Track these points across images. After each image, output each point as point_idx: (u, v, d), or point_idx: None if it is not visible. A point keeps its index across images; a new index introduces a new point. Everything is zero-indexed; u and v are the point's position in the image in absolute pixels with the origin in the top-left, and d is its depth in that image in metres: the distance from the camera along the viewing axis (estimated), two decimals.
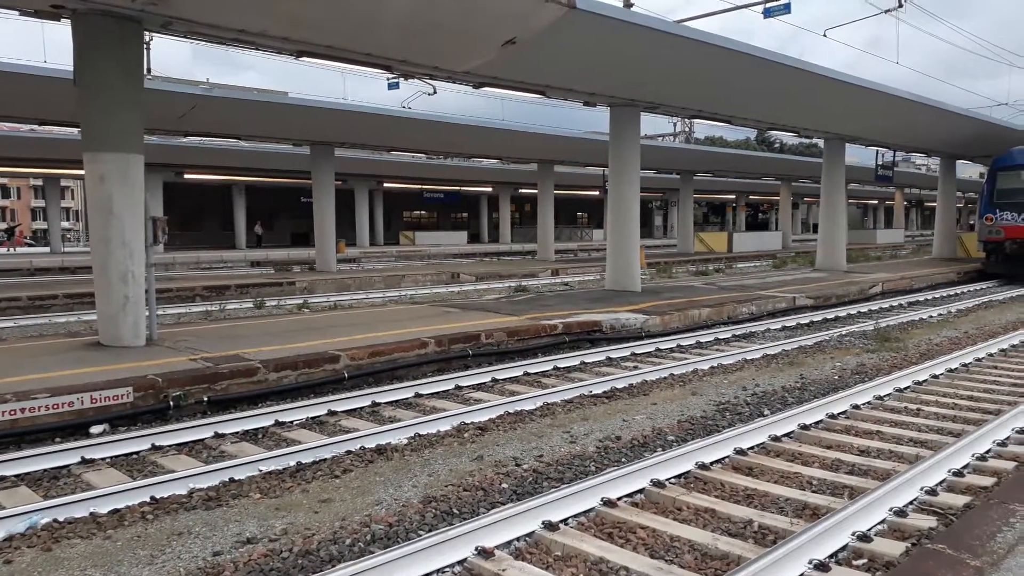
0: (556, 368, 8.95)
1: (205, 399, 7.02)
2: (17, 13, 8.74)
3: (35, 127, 23.27)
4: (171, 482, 5.03)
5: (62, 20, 8.62)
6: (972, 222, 28.34)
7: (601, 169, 26.61)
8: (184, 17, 8.55)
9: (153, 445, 5.95)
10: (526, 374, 8.62)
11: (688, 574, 3.72)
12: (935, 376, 8.28)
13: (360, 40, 9.84)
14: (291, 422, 6.67)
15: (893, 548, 3.90)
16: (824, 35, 18.52)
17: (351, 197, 39.26)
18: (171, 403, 6.80)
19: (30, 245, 56.14)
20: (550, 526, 4.19)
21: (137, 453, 5.83)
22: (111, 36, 8.47)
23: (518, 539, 4.10)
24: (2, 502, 4.76)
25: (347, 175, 34.78)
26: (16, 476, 5.28)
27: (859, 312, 14.19)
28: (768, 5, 16.84)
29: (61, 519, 4.48)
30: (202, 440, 6.16)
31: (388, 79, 17.16)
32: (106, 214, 8.52)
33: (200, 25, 8.82)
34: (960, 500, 4.55)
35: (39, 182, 56.76)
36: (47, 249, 39.68)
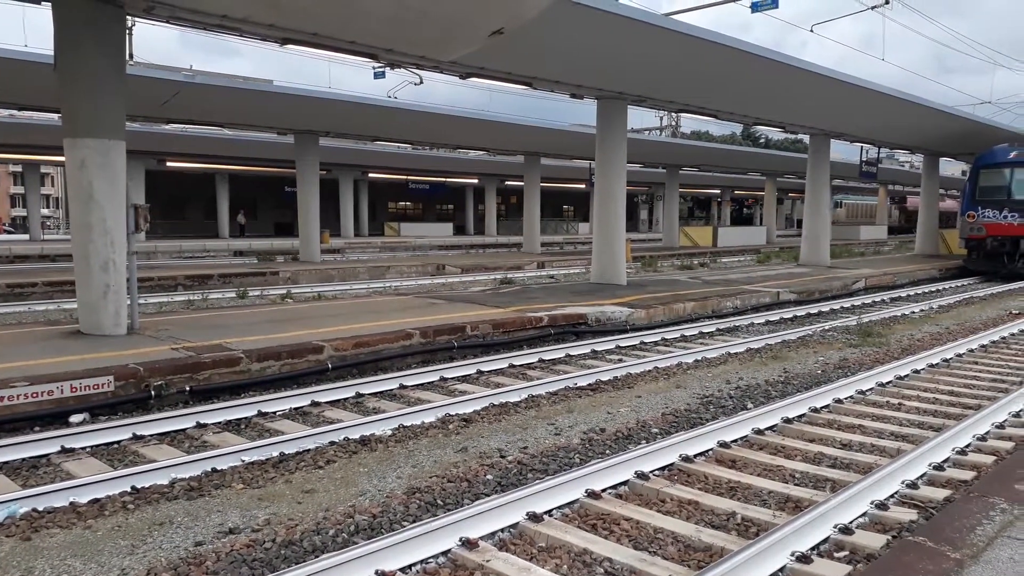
0: (541, 360, 8.95)
1: (187, 389, 6.96)
2: None
3: (14, 112, 22.90)
4: (152, 472, 4.97)
5: (43, 3, 8.48)
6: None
7: (588, 162, 26.64)
8: (166, 1, 8.43)
9: (134, 435, 5.88)
10: (511, 366, 8.62)
11: (671, 566, 3.72)
12: (916, 371, 8.36)
13: (345, 28, 9.75)
14: (274, 412, 6.62)
15: (874, 541, 3.93)
16: (811, 30, 18.55)
17: (336, 187, 38.98)
18: (152, 392, 6.73)
19: (9, 233, 55.41)
20: (534, 517, 4.19)
21: (118, 442, 5.77)
22: (92, 20, 8.34)
23: (502, 530, 4.09)
24: None
25: (332, 165, 34.50)
26: None
27: (842, 307, 14.29)
28: None
29: (40, 509, 4.42)
30: (184, 430, 6.10)
31: (374, 68, 17.06)
32: (87, 201, 8.41)
33: (182, 10, 8.71)
34: (941, 493, 4.59)
35: (18, 168, 55.98)
36: (26, 237, 39.14)
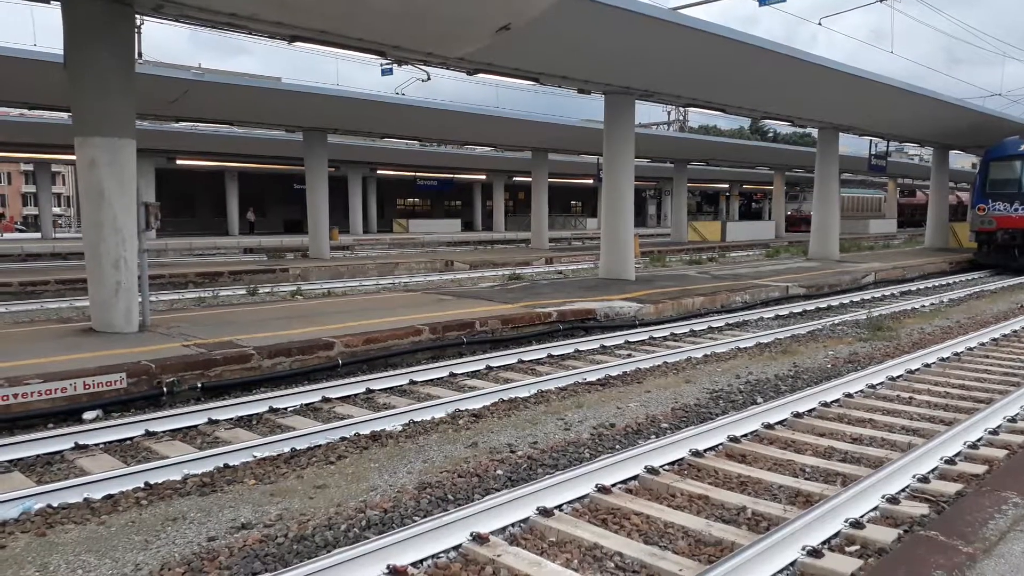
0: (550, 356, 8.96)
1: (199, 385, 7.00)
2: None
3: (25, 111, 23.02)
4: (165, 468, 5.02)
5: (52, 2, 8.52)
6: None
7: (595, 157, 26.56)
8: (175, 0, 8.46)
9: (147, 431, 5.93)
10: (520, 361, 8.63)
11: (682, 560, 3.73)
12: (927, 365, 8.32)
13: (352, 25, 9.75)
14: (285, 408, 6.66)
15: (885, 535, 3.92)
16: (819, 23, 18.47)
17: (344, 184, 39.03)
18: (164, 389, 6.77)
19: (20, 231, 55.74)
20: (545, 512, 4.20)
21: (131, 439, 5.82)
22: (102, 19, 8.38)
23: (513, 525, 4.11)
24: None
25: (340, 162, 34.59)
26: (9, 462, 5.27)
27: (852, 301, 14.23)
28: None
29: (55, 504, 4.47)
30: (196, 426, 6.15)
31: (382, 65, 17.06)
32: (97, 199, 8.45)
33: (191, 8, 8.73)
34: (952, 488, 4.58)
35: (30, 167, 56.31)
36: (38, 235, 39.39)
